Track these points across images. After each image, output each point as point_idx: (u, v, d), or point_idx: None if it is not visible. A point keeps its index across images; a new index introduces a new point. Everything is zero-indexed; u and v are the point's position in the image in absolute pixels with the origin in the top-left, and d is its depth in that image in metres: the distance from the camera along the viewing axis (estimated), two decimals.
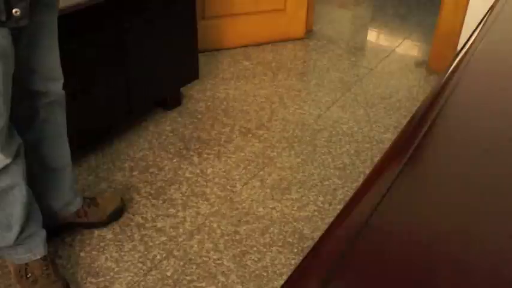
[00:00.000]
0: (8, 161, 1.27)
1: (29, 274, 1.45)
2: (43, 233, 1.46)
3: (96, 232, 1.69)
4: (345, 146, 2.16)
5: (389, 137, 2.22)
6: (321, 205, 1.84)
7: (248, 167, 2.02)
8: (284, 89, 2.58)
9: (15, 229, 1.38)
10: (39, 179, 1.51)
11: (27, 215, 1.39)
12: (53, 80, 1.41)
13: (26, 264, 1.45)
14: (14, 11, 1.04)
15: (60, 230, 1.66)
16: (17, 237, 1.39)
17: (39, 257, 1.45)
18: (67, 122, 1.53)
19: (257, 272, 1.57)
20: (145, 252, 1.62)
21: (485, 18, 1.19)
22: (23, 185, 1.35)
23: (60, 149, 1.54)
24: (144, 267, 1.57)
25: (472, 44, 1.04)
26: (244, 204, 1.83)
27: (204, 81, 2.60)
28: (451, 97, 0.85)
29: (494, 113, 0.83)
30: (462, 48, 1.03)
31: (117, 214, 1.73)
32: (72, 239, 1.66)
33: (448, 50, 2.59)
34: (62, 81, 1.43)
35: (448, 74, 0.93)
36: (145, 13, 1.97)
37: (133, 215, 1.76)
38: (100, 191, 1.85)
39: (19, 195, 1.35)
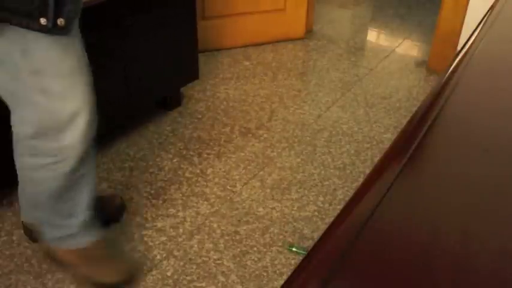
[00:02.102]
0: (87, 148, 1.28)
1: (91, 255, 1.47)
2: (93, 214, 1.47)
3: None
4: (345, 146, 2.16)
5: (389, 137, 2.22)
6: (321, 205, 1.84)
7: (248, 167, 2.02)
8: (284, 89, 2.58)
9: (80, 215, 1.40)
10: None
11: (91, 203, 1.40)
12: None
13: (86, 247, 1.46)
14: (59, 20, 1.07)
15: None
16: (80, 223, 1.41)
17: (96, 238, 1.47)
18: None
19: (257, 272, 1.57)
20: (146, 252, 1.62)
21: (485, 18, 1.19)
22: (94, 173, 1.37)
23: None
24: (144, 267, 1.57)
25: (472, 44, 1.05)
26: (244, 204, 1.83)
27: (204, 81, 2.60)
28: (451, 97, 0.85)
29: (494, 112, 0.84)
30: (462, 48, 1.03)
31: (117, 213, 1.73)
32: None
33: (448, 50, 2.59)
34: None
35: (448, 74, 0.94)
36: (145, 13, 1.97)
37: (134, 215, 1.76)
38: (100, 191, 1.85)
39: (88, 183, 1.36)
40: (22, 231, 1.66)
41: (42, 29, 1.06)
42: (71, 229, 1.42)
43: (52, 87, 1.15)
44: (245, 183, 1.93)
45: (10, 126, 1.66)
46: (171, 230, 1.71)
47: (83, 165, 1.30)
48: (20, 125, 1.25)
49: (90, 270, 1.48)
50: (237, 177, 1.97)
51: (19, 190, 1.53)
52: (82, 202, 1.38)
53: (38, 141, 1.24)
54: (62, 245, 1.48)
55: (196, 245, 1.66)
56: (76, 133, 1.22)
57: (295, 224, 1.75)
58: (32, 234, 1.63)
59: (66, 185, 1.31)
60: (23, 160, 1.32)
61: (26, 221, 1.61)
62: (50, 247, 1.51)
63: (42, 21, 1.04)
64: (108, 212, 1.69)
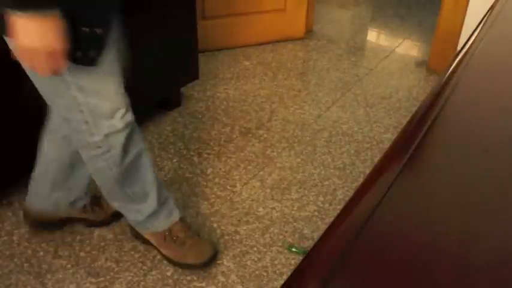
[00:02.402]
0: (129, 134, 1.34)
1: (175, 237, 1.55)
2: (172, 195, 1.57)
3: (97, 232, 1.69)
4: (345, 146, 2.16)
5: (389, 137, 2.22)
6: (321, 205, 1.84)
7: (248, 167, 2.02)
8: (284, 89, 2.58)
9: (153, 194, 1.46)
10: (63, 169, 1.55)
11: (156, 179, 1.47)
12: None
13: (169, 228, 1.54)
14: (90, 54, 1.14)
15: (63, 224, 1.68)
16: (157, 203, 1.47)
17: (178, 219, 1.56)
18: None
19: (257, 272, 1.57)
20: (145, 252, 1.62)
21: (485, 18, 1.19)
22: (145, 149, 1.42)
23: None
24: (144, 267, 1.57)
25: (472, 44, 1.05)
26: (244, 204, 1.83)
27: (204, 81, 2.60)
28: (451, 97, 0.85)
29: (494, 112, 0.84)
30: (462, 48, 1.03)
31: (119, 214, 1.73)
32: (72, 239, 1.66)
33: (448, 50, 2.59)
34: None
35: (448, 74, 0.94)
36: (145, 13, 1.97)
37: None
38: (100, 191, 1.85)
39: (146, 160, 1.42)
40: (22, 231, 1.66)
41: (74, 61, 1.13)
42: (149, 209, 1.48)
43: (88, 86, 1.21)
44: (245, 183, 1.93)
45: (10, 128, 1.66)
46: None
47: (129, 149, 1.35)
48: (65, 122, 1.33)
49: (174, 251, 1.56)
50: (237, 177, 1.97)
51: (33, 175, 1.58)
52: (147, 181, 1.44)
53: (81, 134, 1.30)
54: (146, 228, 1.56)
55: None
56: (113, 125, 1.28)
57: (295, 224, 1.75)
58: (33, 222, 1.64)
59: (122, 171, 1.37)
60: (83, 153, 1.38)
61: (30, 207, 1.62)
62: (136, 229, 1.60)
63: (78, 54, 1.11)
64: None
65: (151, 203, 1.48)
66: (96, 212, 1.69)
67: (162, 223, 1.54)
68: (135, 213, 1.51)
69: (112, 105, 1.27)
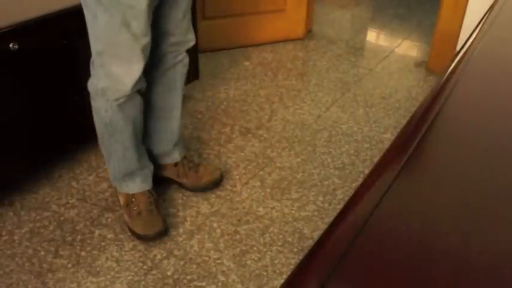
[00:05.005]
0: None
1: (135, 207, 1.67)
2: (151, 167, 1.74)
3: (97, 231, 1.69)
4: (345, 146, 2.17)
5: (389, 137, 2.23)
6: (321, 205, 1.84)
7: (248, 167, 2.02)
8: (284, 89, 2.58)
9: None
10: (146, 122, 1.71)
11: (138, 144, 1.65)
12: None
13: (133, 196, 1.68)
14: None
15: (160, 181, 1.83)
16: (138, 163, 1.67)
17: (146, 189, 1.70)
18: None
19: (257, 272, 1.57)
20: (146, 252, 1.62)
21: (484, 18, 1.19)
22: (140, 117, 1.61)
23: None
24: (145, 267, 1.57)
25: (471, 44, 1.05)
26: (244, 204, 1.83)
27: (204, 81, 2.60)
28: (450, 97, 0.85)
29: (493, 113, 0.84)
30: (461, 49, 1.04)
31: (214, 185, 1.89)
32: (72, 239, 1.66)
33: (448, 50, 2.59)
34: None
35: (447, 74, 0.94)
36: None
37: None
38: (100, 191, 1.86)
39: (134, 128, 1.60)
40: (23, 231, 1.67)
41: None
42: (130, 166, 1.65)
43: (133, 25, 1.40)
44: (245, 183, 1.93)
45: (10, 128, 1.67)
46: (172, 229, 1.71)
47: (127, 107, 1.52)
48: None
49: (130, 218, 1.68)
50: (237, 177, 1.97)
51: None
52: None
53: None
54: (122, 188, 1.70)
55: (196, 245, 1.66)
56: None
57: (295, 223, 1.75)
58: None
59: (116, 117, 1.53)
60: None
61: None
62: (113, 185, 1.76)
63: None
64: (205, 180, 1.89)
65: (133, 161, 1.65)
66: (190, 178, 1.85)
67: (133, 186, 1.68)
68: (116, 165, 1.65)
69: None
